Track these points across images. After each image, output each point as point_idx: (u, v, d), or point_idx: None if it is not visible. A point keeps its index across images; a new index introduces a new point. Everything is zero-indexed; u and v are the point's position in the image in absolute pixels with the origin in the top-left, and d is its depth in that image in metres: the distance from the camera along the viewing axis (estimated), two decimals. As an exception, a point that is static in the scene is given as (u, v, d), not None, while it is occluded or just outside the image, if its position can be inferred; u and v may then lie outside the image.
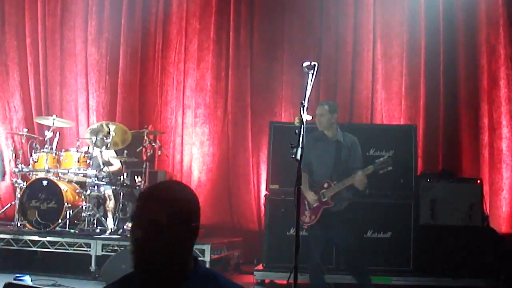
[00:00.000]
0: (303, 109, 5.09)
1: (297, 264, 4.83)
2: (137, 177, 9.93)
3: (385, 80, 10.66)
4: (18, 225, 9.68)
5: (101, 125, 10.06)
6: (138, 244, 2.37)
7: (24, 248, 9.28)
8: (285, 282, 8.36)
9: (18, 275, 7.60)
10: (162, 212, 2.35)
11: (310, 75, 5.23)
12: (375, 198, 8.46)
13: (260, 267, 8.69)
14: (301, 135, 4.92)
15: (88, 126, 11.12)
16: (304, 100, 5.12)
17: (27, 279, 7.54)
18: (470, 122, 10.43)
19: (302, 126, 4.98)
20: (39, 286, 5.02)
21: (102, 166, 9.83)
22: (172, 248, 2.36)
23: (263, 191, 10.33)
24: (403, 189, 8.60)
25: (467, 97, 10.47)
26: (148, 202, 2.42)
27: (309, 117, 5.73)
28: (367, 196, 8.26)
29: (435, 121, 10.42)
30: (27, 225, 9.53)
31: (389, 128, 9.57)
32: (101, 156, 10.03)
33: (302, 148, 4.89)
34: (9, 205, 10.30)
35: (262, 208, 10.18)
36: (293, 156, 4.90)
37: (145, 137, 10.04)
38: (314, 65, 5.26)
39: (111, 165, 10.34)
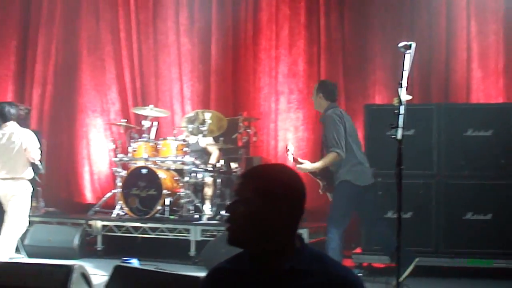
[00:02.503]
0: (402, 89, 5.05)
1: (400, 246, 4.80)
2: (233, 164, 10.04)
3: (481, 58, 10.37)
4: (120, 212, 9.96)
5: (197, 113, 10.20)
6: (229, 217, 2.44)
7: (126, 235, 9.57)
8: (382, 265, 8.36)
9: (125, 258, 7.81)
10: (247, 186, 2.42)
11: (407, 55, 5.18)
12: (476, 179, 8.27)
13: (358, 250, 8.66)
14: (401, 116, 4.89)
15: (184, 115, 11.29)
16: (402, 80, 5.08)
17: (134, 262, 7.75)
18: None
19: (402, 106, 4.94)
20: (147, 268, 5.13)
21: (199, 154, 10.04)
22: (254, 222, 2.38)
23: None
24: (504, 169, 8.37)
25: None
26: (240, 177, 2.50)
27: (409, 97, 5.69)
28: (467, 177, 8.12)
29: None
30: (128, 212, 9.79)
31: (487, 107, 9.25)
32: (198, 143, 10.22)
33: (402, 128, 4.86)
34: (110, 193, 10.56)
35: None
36: (394, 136, 4.87)
37: (240, 124, 10.14)
38: (410, 45, 5.21)
39: (209, 152, 10.50)
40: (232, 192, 9.87)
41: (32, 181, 8.70)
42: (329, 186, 7.59)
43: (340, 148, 7.19)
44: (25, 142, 8.41)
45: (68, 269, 4.34)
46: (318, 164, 7.39)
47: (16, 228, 8.38)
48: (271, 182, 2.43)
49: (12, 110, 8.63)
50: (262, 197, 2.38)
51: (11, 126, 8.52)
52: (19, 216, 8.40)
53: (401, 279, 6.90)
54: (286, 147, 7.83)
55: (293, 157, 7.62)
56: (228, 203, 2.51)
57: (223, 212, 9.60)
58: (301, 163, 7.54)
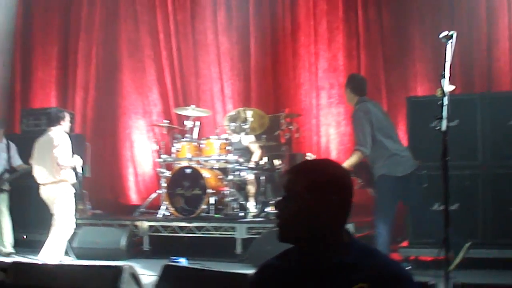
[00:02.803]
0: (444, 80, 5.00)
1: (448, 238, 4.76)
2: (277, 161, 10.05)
3: (525, 45, 10.24)
4: (165, 212, 10.03)
5: (239, 111, 10.25)
6: (279, 213, 2.46)
7: (172, 234, 9.64)
8: (430, 258, 8.27)
9: (173, 257, 7.88)
10: (299, 181, 2.42)
11: (449, 45, 5.13)
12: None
13: (404, 243, 8.60)
14: (445, 107, 4.85)
15: (225, 113, 11.33)
16: (444, 71, 5.03)
17: (183, 261, 7.81)
18: None
19: (445, 97, 4.90)
20: (196, 267, 5.16)
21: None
22: (308, 217, 2.40)
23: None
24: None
25: None
26: (289, 173, 2.51)
27: (452, 87, 5.63)
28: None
29: None
30: (174, 212, 9.86)
31: (532, 95, 9.13)
32: (241, 141, 10.26)
33: (447, 119, 4.82)
34: (155, 194, 10.64)
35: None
36: (438, 128, 4.83)
37: (282, 121, 10.13)
38: (452, 34, 5.16)
39: (251, 150, 10.53)
40: (279, 189, 9.87)
41: (76, 184, 8.82)
42: (368, 182, 7.56)
43: (364, 146, 7.19)
44: (54, 147, 8.52)
45: (118, 270, 4.38)
46: (343, 165, 7.35)
47: (62, 230, 8.50)
48: (320, 177, 2.44)
49: (57, 116, 8.77)
50: (313, 192, 2.39)
51: (55, 131, 8.65)
52: (64, 218, 8.52)
53: (452, 266, 6.87)
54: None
55: None
56: (276, 199, 2.52)
57: (267, 209, 9.61)
58: None
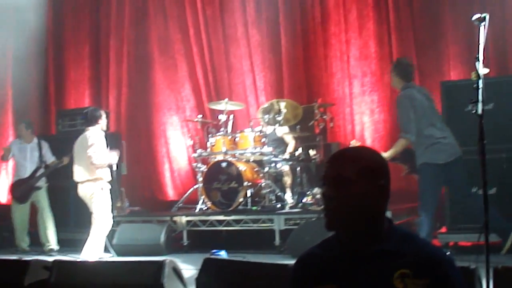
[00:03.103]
0: (479, 63, 4.95)
1: (487, 222, 4.71)
2: (312, 151, 10.03)
3: (558, 25, 10.08)
4: (203, 207, 10.08)
5: (272, 103, 10.25)
6: (328, 201, 2.45)
7: (210, 228, 9.68)
8: (469, 243, 8.20)
9: (214, 250, 7.92)
10: (349, 167, 2.41)
11: (482, 27, 5.08)
12: None
13: (443, 229, 8.54)
14: (480, 90, 4.80)
15: (258, 106, 11.34)
16: (478, 54, 4.98)
17: (223, 254, 7.85)
18: None
19: (480, 80, 4.85)
20: (237, 259, 5.19)
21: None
22: (360, 203, 2.40)
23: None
24: None
25: None
26: (336, 160, 2.49)
27: (486, 70, 5.57)
28: None
29: None
30: (211, 206, 9.89)
31: None
32: (275, 133, 10.27)
33: (482, 102, 4.77)
34: (192, 189, 10.69)
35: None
36: (474, 111, 4.79)
37: (316, 111, 10.09)
38: (484, 17, 5.10)
39: (286, 141, 10.53)
40: (316, 178, 9.88)
41: (112, 182, 8.89)
42: (413, 169, 7.51)
43: (409, 133, 7.12)
44: (88, 147, 8.61)
45: (160, 264, 4.43)
46: (389, 153, 7.31)
47: (100, 227, 8.58)
48: (369, 162, 2.45)
49: (94, 115, 8.85)
50: (363, 178, 2.40)
51: (91, 130, 8.72)
52: (102, 215, 8.59)
53: (503, 251, 6.83)
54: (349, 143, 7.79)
55: None
56: (323, 188, 2.50)
57: (304, 200, 9.60)
58: None
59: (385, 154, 7.23)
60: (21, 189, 10.16)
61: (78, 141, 8.91)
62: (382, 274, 2.35)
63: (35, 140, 10.44)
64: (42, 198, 10.18)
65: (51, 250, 9.89)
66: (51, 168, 10.21)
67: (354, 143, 7.79)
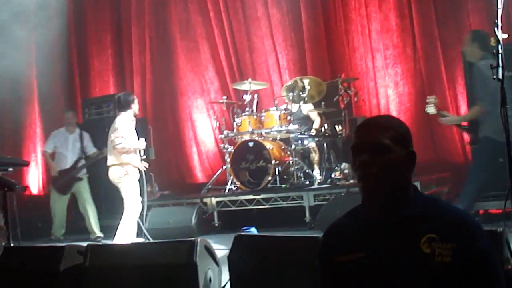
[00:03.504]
0: (497, 28, 4.92)
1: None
2: (338, 126, 10.03)
3: None
4: (232, 187, 10.14)
5: (295, 80, 10.23)
6: (365, 168, 2.46)
7: (240, 208, 9.74)
8: (499, 210, 8.16)
9: (244, 227, 7.97)
10: (384, 135, 2.44)
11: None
12: None
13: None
14: (499, 55, 4.78)
15: (282, 85, 11.31)
16: (497, 19, 4.95)
17: (253, 230, 7.90)
18: None
19: (499, 45, 4.82)
20: (266, 234, 5.24)
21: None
22: (396, 170, 2.44)
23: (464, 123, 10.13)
24: None
25: None
26: (370, 128, 2.52)
27: (505, 36, 5.52)
28: None
29: None
30: (240, 186, 9.96)
31: None
32: (300, 110, 10.29)
33: (502, 68, 4.75)
34: (220, 170, 10.74)
35: (466, 139, 9.96)
36: (494, 77, 4.78)
37: (340, 86, 10.08)
38: (503, -18, 5.05)
39: (311, 118, 10.54)
40: (343, 153, 9.90)
41: (141, 166, 8.94)
42: (475, 140, 7.46)
43: (485, 101, 7.01)
44: (113, 131, 8.69)
45: (192, 243, 4.49)
46: (461, 117, 7.26)
47: (130, 211, 8.65)
48: (402, 129, 2.51)
49: (127, 100, 8.88)
50: (400, 145, 2.45)
51: (123, 115, 8.78)
52: (130, 199, 8.66)
53: None
54: (427, 99, 7.69)
55: (436, 109, 7.50)
56: (361, 157, 2.52)
57: (333, 176, 9.63)
58: (444, 116, 7.46)
59: (458, 118, 7.20)
60: (63, 180, 10.27)
61: (111, 127, 8.97)
62: (409, 240, 2.37)
63: (77, 130, 10.53)
64: (83, 189, 10.29)
65: (98, 237, 10.01)
66: (92, 159, 10.31)
67: (433, 100, 7.67)
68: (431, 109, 7.48)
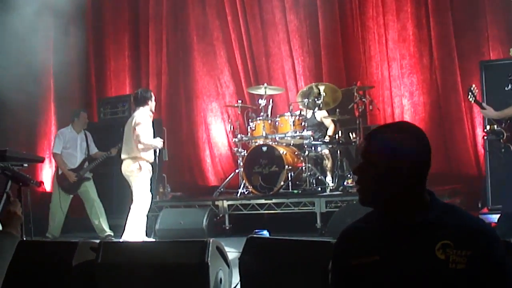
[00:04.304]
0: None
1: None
2: (351, 134, 10.04)
3: None
4: (244, 191, 10.15)
5: (311, 87, 10.26)
6: (357, 174, 2.51)
7: (252, 212, 9.75)
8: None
9: (257, 230, 7.97)
10: (376, 149, 2.45)
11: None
12: None
13: (485, 210, 8.51)
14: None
15: (297, 90, 11.34)
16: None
17: (265, 233, 7.90)
18: None
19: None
20: (279, 237, 5.24)
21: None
22: (383, 182, 2.44)
23: (479, 135, 10.09)
24: None
25: None
26: (366, 141, 2.52)
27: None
28: None
29: None
30: (252, 190, 9.97)
31: None
32: (315, 117, 10.29)
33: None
34: (233, 174, 10.75)
35: (481, 151, 9.95)
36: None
37: (355, 94, 10.08)
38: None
39: (325, 125, 10.55)
40: (356, 161, 9.88)
41: (154, 164, 8.97)
42: (510, 139, 7.45)
43: None
44: (136, 125, 8.73)
45: (204, 244, 4.51)
46: (500, 112, 7.24)
47: (139, 206, 8.70)
48: (392, 143, 2.44)
49: (144, 96, 8.96)
50: (387, 159, 2.42)
51: (141, 110, 8.85)
52: (140, 194, 8.71)
53: None
54: (468, 90, 7.71)
55: (477, 100, 7.53)
56: (355, 166, 2.54)
57: (345, 183, 9.63)
58: (484, 108, 7.47)
59: (497, 112, 7.18)
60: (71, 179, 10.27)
61: (128, 122, 9.02)
62: (424, 245, 2.37)
63: (82, 130, 10.57)
64: (90, 188, 10.27)
65: (109, 236, 10.01)
66: (100, 159, 10.33)
67: (472, 89, 7.72)
68: (471, 97, 7.54)
